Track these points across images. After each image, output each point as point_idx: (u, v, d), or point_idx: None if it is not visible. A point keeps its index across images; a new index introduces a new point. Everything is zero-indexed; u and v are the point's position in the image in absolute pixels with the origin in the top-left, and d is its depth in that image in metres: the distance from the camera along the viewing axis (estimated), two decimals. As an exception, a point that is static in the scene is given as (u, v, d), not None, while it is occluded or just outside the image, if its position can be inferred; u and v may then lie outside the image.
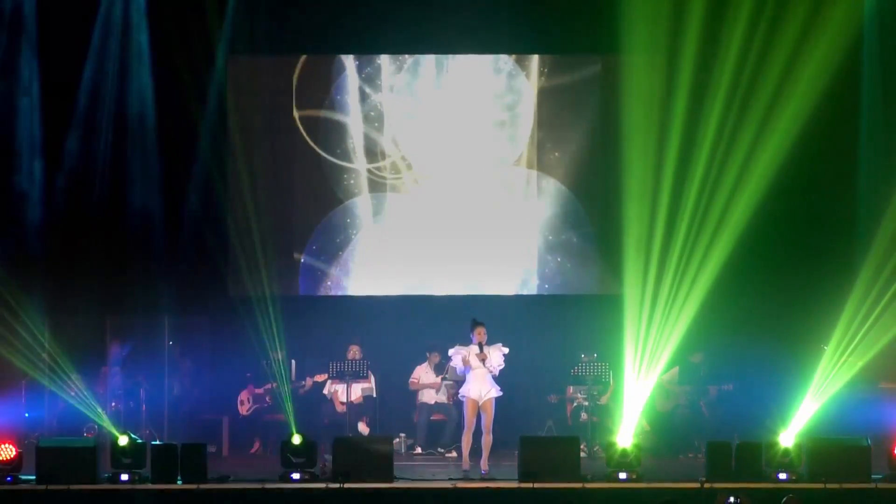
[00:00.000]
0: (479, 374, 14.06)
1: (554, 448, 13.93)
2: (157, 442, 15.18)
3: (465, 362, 14.06)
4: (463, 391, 14.24)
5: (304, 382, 16.60)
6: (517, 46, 17.33)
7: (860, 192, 16.24)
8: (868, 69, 16.39)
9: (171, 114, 16.64)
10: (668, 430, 16.48)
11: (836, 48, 16.28)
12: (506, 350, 14.16)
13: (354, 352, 16.46)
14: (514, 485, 13.47)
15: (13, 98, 16.54)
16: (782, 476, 13.51)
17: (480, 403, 14.05)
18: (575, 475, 13.53)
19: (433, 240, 17.34)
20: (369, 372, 16.44)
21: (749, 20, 16.47)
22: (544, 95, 17.39)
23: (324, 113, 17.40)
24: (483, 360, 14.02)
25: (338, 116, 17.41)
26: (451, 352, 14.43)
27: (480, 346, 14.08)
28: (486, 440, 14.11)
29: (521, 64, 17.42)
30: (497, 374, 14.12)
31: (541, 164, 17.39)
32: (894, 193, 15.48)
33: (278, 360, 16.53)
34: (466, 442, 14.22)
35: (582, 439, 14.88)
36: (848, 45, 16.22)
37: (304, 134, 17.38)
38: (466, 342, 14.21)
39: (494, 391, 14.10)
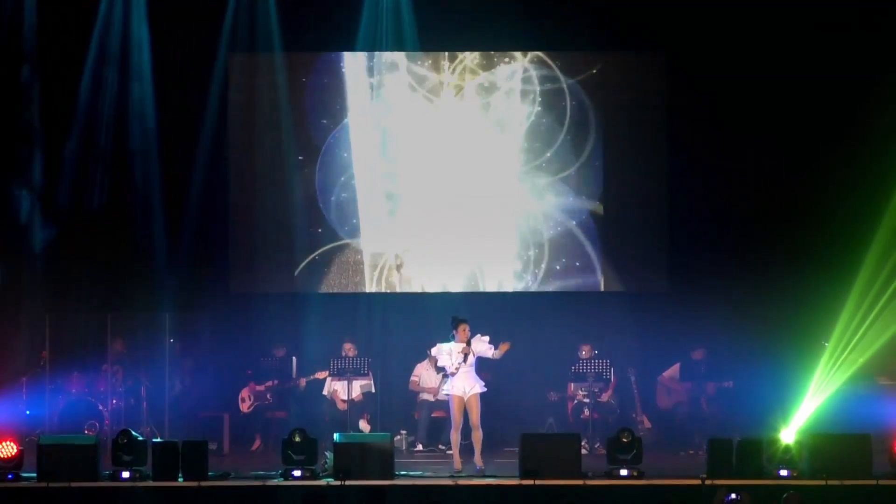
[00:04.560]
0: (463, 372, 14.08)
1: (555, 445, 13.93)
2: (158, 439, 15.19)
3: (455, 369, 14.02)
4: (447, 389, 14.27)
5: (298, 382, 16.59)
6: (515, 44, 17.32)
7: (861, 189, 16.24)
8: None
9: (172, 111, 16.64)
10: (669, 427, 16.50)
11: (835, 40, 16.33)
12: (486, 338, 14.15)
13: (348, 349, 16.46)
14: (515, 482, 13.46)
15: (14, 95, 16.54)
16: (783, 472, 13.50)
17: (466, 399, 14.07)
18: (576, 472, 13.52)
19: (434, 238, 17.33)
20: (368, 370, 16.44)
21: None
22: (546, 93, 17.39)
23: (323, 110, 17.40)
24: (466, 356, 14.01)
25: (338, 114, 17.40)
26: (433, 351, 14.42)
27: (468, 342, 14.06)
28: (476, 436, 14.11)
29: (520, 61, 17.40)
30: (499, 357, 14.09)
31: (542, 162, 17.39)
32: (894, 189, 15.50)
33: (280, 357, 16.56)
34: (455, 441, 14.22)
35: (583, 436, 14.87)
36: (847, 36, 16.28)
37: (304, 131, 17.38)
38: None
39: (478, 387, 14.13)
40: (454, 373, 14.11)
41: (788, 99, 16.57)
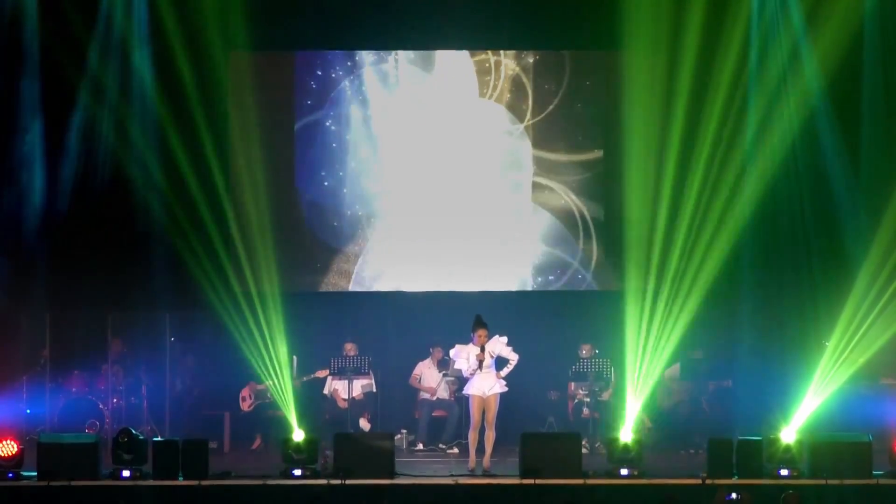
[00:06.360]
0: (483, 372, 14.05)
1: (555, 444, 13.94)
2: (159, 438, 15.19)
3: (471, 372, 14.02)
4: (467, 389, 14.23)
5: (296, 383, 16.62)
6: (517, 43, 17.33)
7: (862, 188, 16.24)
8: (869, 67, 16.38)
9: (173, 109, 16.64)
10: (669, 426, 16.50)
11: (838, 45, 16.31)
12: (504, 339, 14.15)
13: (349, 349, 16.46)
14: (516, 481, 13.47)
15: (14, 94, 16.52)
16: (783, 472, 13.52)
17: (485, 399, 14.04)
18: (576, 472, 13.53)
19: (435, 236, 17.33)
20: (369, 369, 16.44)
21: (750, 17, 16.54)
22: (545, 92, 17.39)
23: (323, 108, 17.40)
24: (481, 362, 14.01)
25: (337, 112, 17.41)
26: (452, 353, 14.42)
27: (482, 348, 14.04)
28: (489, 436, 14.10)
29: (518, 60, 17.40)
30: (516, 359, 14.10)
31: (542, 160, 17.39)
32: (895, 188, 15.49)
33: (278, 357, 16.57)
34: (473, 440, 14.17)
35: (583, 436, 14.88)
36: (849, 41, 16.24)
37: (306, 130, 17.39)
38: (467, 339, 14.20)
39: (499, 387, 14.10)
40: (471, 376, 14.11)
41: (786, 98, 16.57)
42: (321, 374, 16.60)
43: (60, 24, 16.50)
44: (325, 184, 17.40)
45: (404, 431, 16.60)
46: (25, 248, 16.40)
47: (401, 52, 17.35)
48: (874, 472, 13.59)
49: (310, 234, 17.37)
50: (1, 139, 16.52)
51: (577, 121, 17.38)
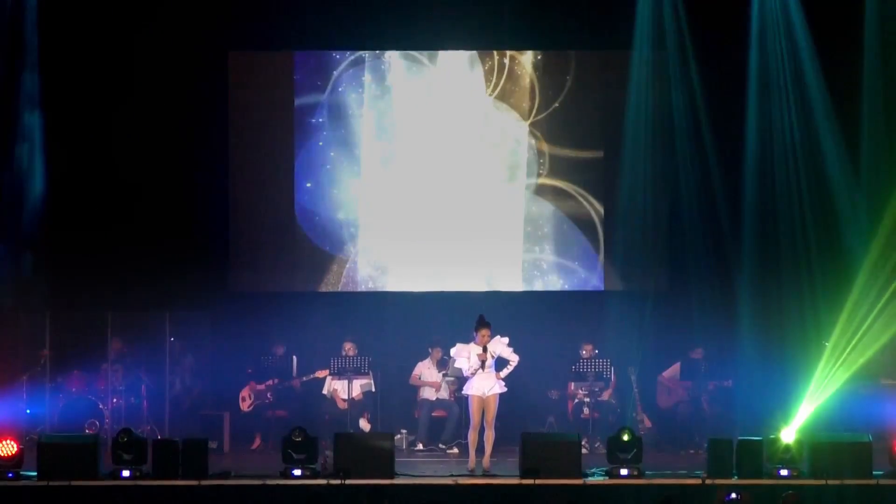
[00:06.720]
0: (484, 372, 14.04)
1: (555, 444, 13.93)
2: (158, 438, 15.20)
3: (472, 371, 14.01)
4: (466, 389, 14.23)
5: (292, 382, 16.60)
6: (517, 42, 17.33)
7: (862, 188, 16.24)
8: (869, 65, 16.38)
9: (173, 108, 16.65)
10: (669, 426, 16.50)
11: (838, 44, 16.34)
12: (505, 340, 14.14)
13: (348, 349, 16.46)
14: (516, 481, 13.46)
15: (13, 93, 16.52)
16: (783, 472, 13.51)
17: (485, 399, 14.04)
18: (576, 472, 13.53)
19: (435, 236, 17.33)
20: (369, 369, 16.43)
21: (751, 17, 16.58)
22: (545, 91, 17.40)
23: (322, 107, 17.40)
24: (483, 362, 13.99)
25: (337, 111, 17.40)
26: (453, 352, 14.41)
27: (484, 348, 14.03)
28: (489, 436, 14.09)
29: (520, 58, 17.41)
30: (516, 361, 14.10)
31: (544, 158, 17.40)
32: (894, 188, 15.49)
33: (280, 355, 16.55)
34: (473, 440, 14.16)
35: (583, 436, 14.87)
36: (849, 40, 16.26)
37: (304, 129, 17.39)
38: (467, 339, 14.19)
39: (498, 387, 14.09)
40: (471, 376, 14.10)
41: (787, 97, 16.59)
42: (321, 374, 16.59)
43: (61, 17, 16.52)
44: (326, 183, 17.40)
45: (404, 431, 16.59)
46: (25, 248, 16.41)
47: (403, 52, 17.35)
48: (874, 472, 13.58)
49: (309, 234, 17.37)
50: (1, 138, 16.54)
51: (581, 119, 17.37)
